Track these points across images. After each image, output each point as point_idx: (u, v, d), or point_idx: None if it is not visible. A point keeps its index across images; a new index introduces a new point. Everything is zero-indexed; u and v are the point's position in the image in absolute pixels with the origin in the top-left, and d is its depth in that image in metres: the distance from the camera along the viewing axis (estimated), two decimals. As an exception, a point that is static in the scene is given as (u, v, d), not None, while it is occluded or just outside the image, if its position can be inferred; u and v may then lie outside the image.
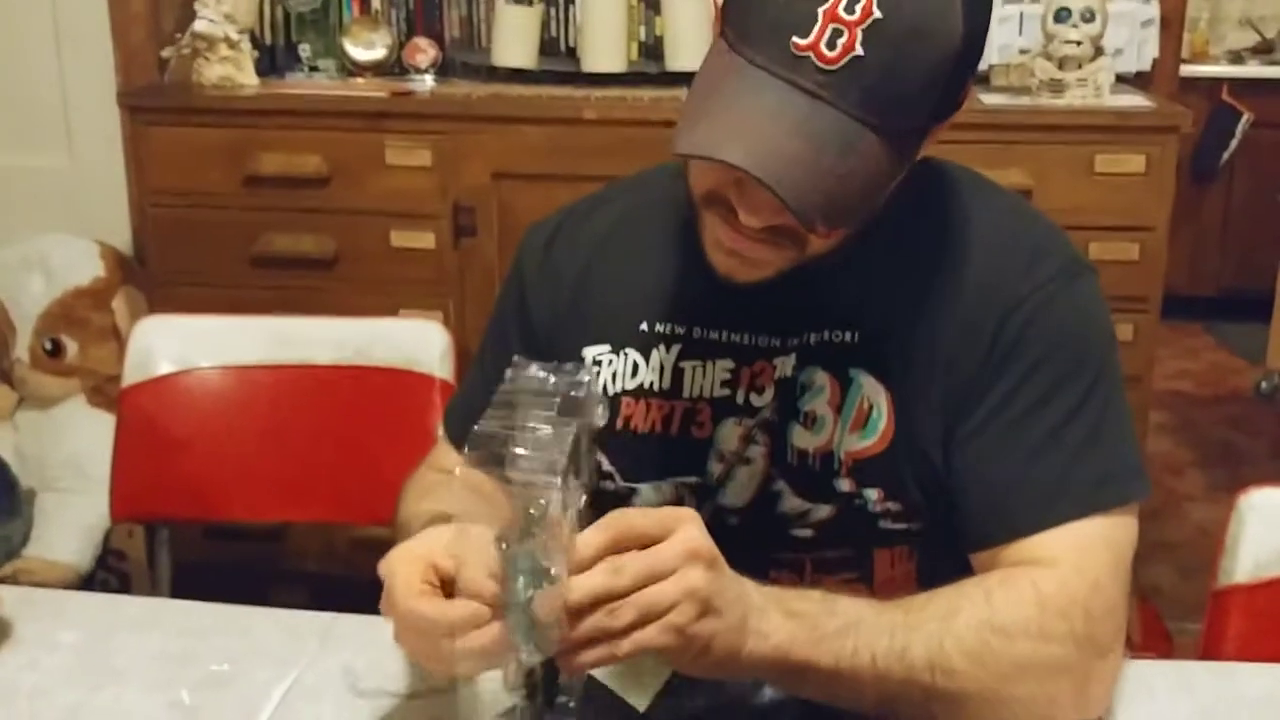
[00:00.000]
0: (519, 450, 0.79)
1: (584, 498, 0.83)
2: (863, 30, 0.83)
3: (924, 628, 0.87)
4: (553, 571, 0.77)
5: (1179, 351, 4.28)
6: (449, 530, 0.86)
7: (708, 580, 0.80)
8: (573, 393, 0.83)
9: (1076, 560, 0.93)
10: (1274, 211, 3.98)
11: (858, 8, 0.83)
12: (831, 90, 0.84)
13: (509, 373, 0.86)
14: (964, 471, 0.98)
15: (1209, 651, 1.24)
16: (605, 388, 1.07)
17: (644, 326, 1.07)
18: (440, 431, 1.20)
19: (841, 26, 0.83)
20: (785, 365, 1.03)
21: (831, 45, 0.84)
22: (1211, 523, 2.99)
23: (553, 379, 0.84)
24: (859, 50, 0.84)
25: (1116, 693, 0.98)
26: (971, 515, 0.98)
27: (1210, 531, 2.93)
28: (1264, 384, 3.96)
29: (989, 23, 0.93)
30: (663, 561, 0.79)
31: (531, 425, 0.81)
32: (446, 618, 0.80)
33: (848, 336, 1.02)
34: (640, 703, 0.91)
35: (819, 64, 0.84)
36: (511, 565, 0.78)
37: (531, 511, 0.78)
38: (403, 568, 0.84)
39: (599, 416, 0.86)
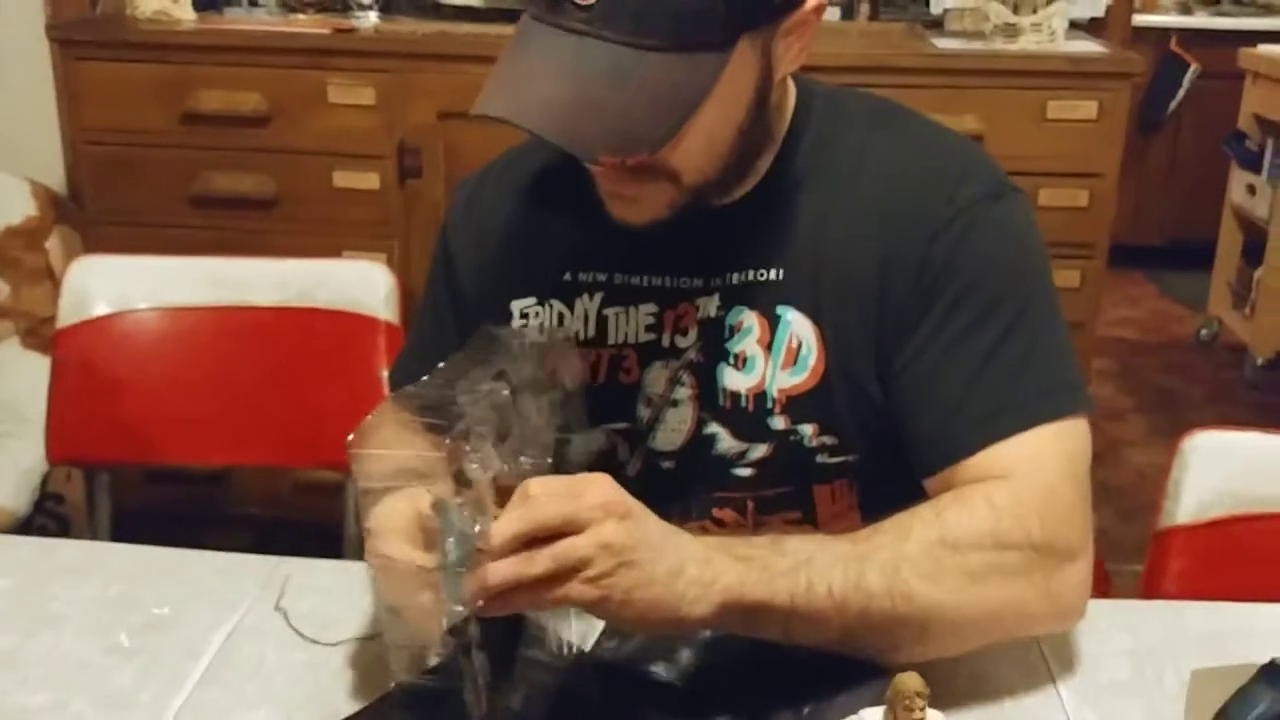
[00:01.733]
0: (460, 414, 0.79)
1: (546, 462, 0.83)
2: None
3: (877, 555, 0.87)
4: (478, 531, 0.78)
5: (1122, 299, 4.33)
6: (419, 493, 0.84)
7: (622, 532, 0.80)
8: (537, 357, 0.83)
9: (1028, 469, 0.93)
10: (1218, 162, 4.02)
11: None
12: (596, 24, 0.85)
13: (472, 339, 0.85)
14: (905, 399, 0.99)
15: (1149, 591, 1.26)
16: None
17: (567, 276, 1.07)
18: (386, 389, 1.19)
19: None
20: (709, 305, 1.03)
21: None
22: (1151, 467, 3.04)
23: (515, 344, 0.84)
24: None
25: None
26: (919, 441, 0.99)
27: (1150, 476, 2.97)
28: (1204, 331, 4.02)
29: None
30: (575, 516, 0.79)
31: (477, 391, 0.81)
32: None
33: (772, 274, 1.02)
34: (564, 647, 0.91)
35: (576, 2, 0.85)
36: (445, 527, 0.79)
37: (459, 472, 0.78)
38: (394, 520, 0.83)
39: (571, 379, 0.85)
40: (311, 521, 1.57)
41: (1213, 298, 4.01)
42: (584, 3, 0.85)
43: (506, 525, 0.79)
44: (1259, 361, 3.67)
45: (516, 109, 0.85)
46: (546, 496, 0.80)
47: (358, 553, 1.43)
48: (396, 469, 0.85)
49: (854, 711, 0.78)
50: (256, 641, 0.97)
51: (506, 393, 0.82)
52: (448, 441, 0.79)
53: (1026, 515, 0.90)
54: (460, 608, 0.79)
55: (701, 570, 0.83)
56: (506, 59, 0.88)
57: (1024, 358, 0.97)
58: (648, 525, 0.82)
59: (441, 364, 0.86)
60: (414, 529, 0.82)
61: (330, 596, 1.02)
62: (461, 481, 0.79)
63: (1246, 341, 3.74)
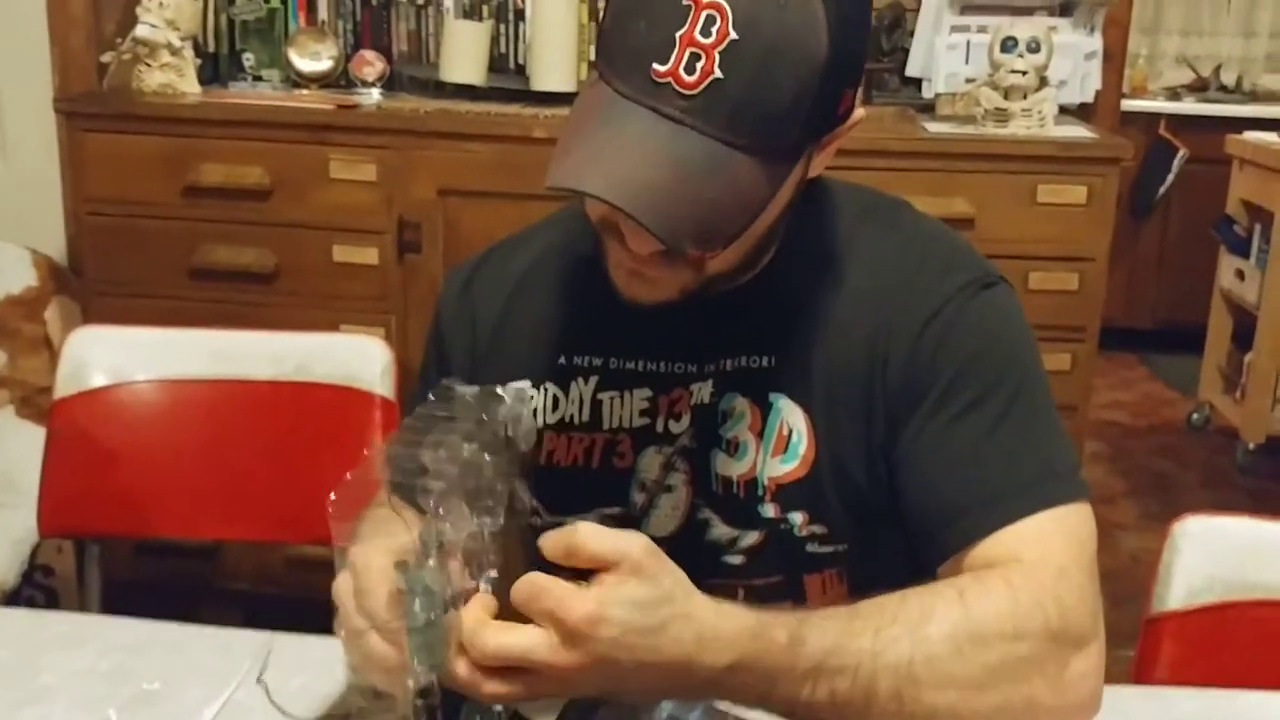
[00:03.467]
0: (425, 472, 0.80)
1: (499, 522, 0.83)
2: (720, 53, 0.84)
3: (893, 650, 0.83)
4: (448, 595, 0.78)
5: (1114, 382, 4.35)
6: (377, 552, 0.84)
7: (610, 645, 0.76)
8: (495, 416, 0.84)
9: (1038, 552, 0.92)
10: (1208, 246, 4.07)
11: (714, 30, 0.84)
12: (694, 115, 0.85)
13: (432, 394, 0.85)
14: (905, 487, 0.99)
15: (1141, 677, 1.25)
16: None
17: (562, 360, 1.07)
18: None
19: (699, 51, 0.84)
20: (702, 391, 1.04)
21: (690, 70, 0.84)
22: (1143, 551, 3.04)
23: (472, 401, 0.84)
24: (718, 73, 0.84)
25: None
26: (921, 529, 0.98)
27: (1142, 560, 2.97)
28: (1195, 415, 4.03)
29: (863, 35, 0.94)
30: (573, 631, 0.75)
31: (438, 448, 0.81)
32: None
33: (764, 361, 1.03)
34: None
35: (679, 89, 0.85)
36: (410, 588, 0.79)
37: (427, 535, 0.79)
38: (378, 560, 0.82)
39: (524, 440, 0.86)
40: (303, 597, 1.56)
41: (1204, 382, 4.03)
42: (688, 92, 0.84)
43: (496, 641, 0.76)
44: (1250, 446, 3.67)
45: (610, 187, 0.84)
46: (547, 601, 0.76)
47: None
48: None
49: None
50: (246, 717, 0.96)
51: (473, 449, 0.82)
52: (426, 503, 0.79)
53: (1044, 600, 0.88)
54: (427, 669, 0.78)
55: (710, 670, 0.79)
56: (591, 133, 0.87)
57: (1021, 441, 0.97)
58: (649, 620, 0.77)
59: (406, 420, 0.86)
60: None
61: (320, 672, 1.01)
62: (431, 543, 0.79)
63: (1237, 426, 3.75)
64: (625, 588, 0.76)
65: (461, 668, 0.77)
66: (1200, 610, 1.25)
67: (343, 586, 0.84)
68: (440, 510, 0.81)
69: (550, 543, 0.78)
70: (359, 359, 1.55)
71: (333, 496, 0.89)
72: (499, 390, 0.86)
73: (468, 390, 0.86)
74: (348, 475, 0.91)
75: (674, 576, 0.79)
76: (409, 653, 0.79)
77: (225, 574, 2.39)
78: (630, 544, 0.78)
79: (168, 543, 2.09)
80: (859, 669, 0.82)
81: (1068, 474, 0.98)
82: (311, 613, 0.97)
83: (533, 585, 0.76)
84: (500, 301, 1.11)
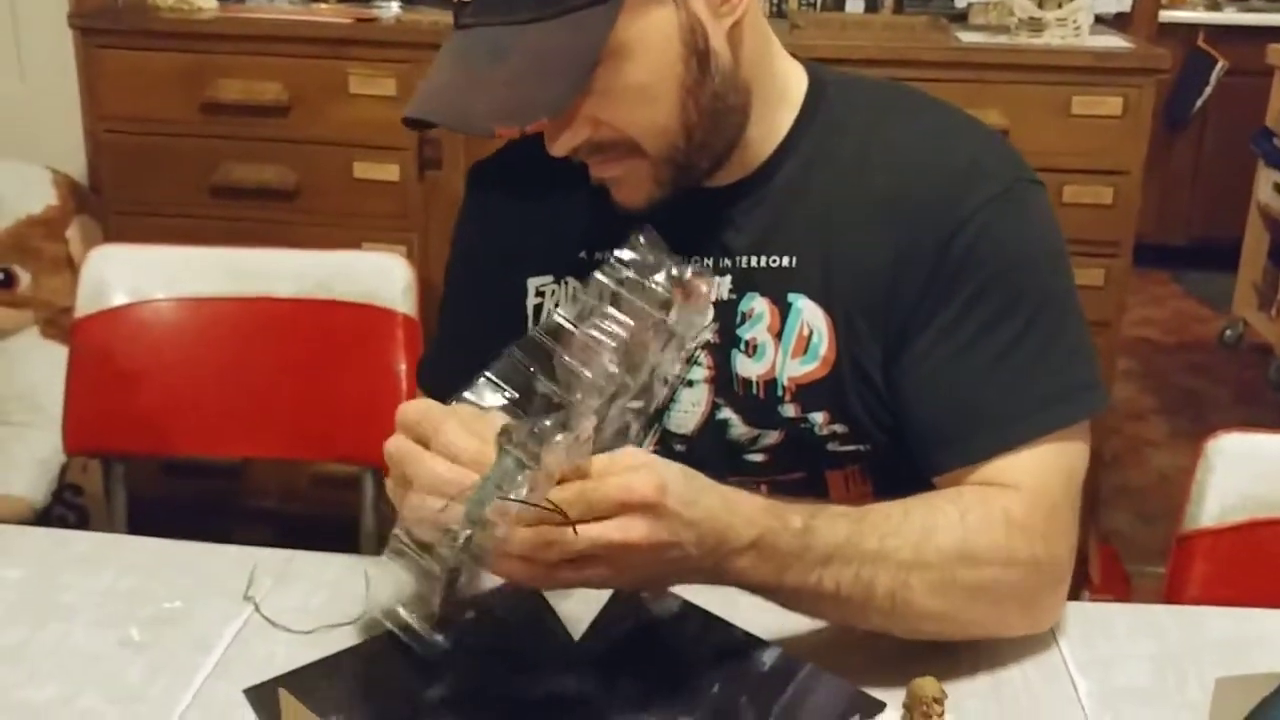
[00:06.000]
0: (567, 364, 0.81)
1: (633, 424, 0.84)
2: None
3: (894, 558, 0.88)
4: (521, 494, 0.75)
5: (1146, 299, 4.30)
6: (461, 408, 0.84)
7: (650, 529, 0.78)
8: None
9: (1035, 484, 0.94)
10: (1245, 160, 3.98)
11: None
12: (479, 15, 0.92)
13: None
14: (915, 396, 0.99)
15: (1172, 596, 1.24)
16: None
17: (583, 254, 1.07)
18: (404, 382, 1.20)
19: None
20: (721, 288, 1.03)
21: None
22: (1173, 469, 3.02)
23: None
24: None
25: (1077, 630, 0.98)
26: (925, 441, 0.99)
27: (1171, 478, 2.95)
28: (1228, 332, 3.98)
29: None
30: (608, 501, 0.78)
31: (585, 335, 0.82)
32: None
33: (784, 261, 1.02)
34: (576, 633, 0.91)
35: (458, 2, 0.93)
36: (496, 466, 0.76)
37: (533, 443, 0.76)
38: (436, 409, 0.83)
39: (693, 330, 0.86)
40: (329, 515, 1.56)
41: (1238, 298, 3.97)
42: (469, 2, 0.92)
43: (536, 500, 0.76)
44: (1283, 362, 3.63)
45: (415, 105, 0.93)
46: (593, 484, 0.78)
47: (374, 547, 1.43)
48: None
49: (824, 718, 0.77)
50: (267, 637, 0.96)
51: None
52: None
53: (1034, 534, 0.93)
54: (468, 531, 0.77)
55: (732, 560, 0.84)
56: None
57: (1038, 359, 0.97)
58: (690, 505, 0.81)
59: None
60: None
61: (344, 589, 1.01)
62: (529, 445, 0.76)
63: (1271, 343, 3.70)
64: (661, 466, 0.80)
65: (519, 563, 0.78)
66: (1233, 528, 1.23)
67: (394, 443, 0.83)
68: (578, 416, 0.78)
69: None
70: (380, 276, 1.54)
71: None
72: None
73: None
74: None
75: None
76: (465, 515, 0.76)
77: (252, 493, 2.41)
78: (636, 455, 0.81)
79: (194, 462, 2.09)
80: (863, 567, 0.87)
81: (1081, 390, 0.98)
82: (337, 531, 0.96)
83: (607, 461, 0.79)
84: (520, 195, 1.11)
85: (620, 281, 0.87)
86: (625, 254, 0.89)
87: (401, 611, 0.85)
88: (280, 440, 1.58)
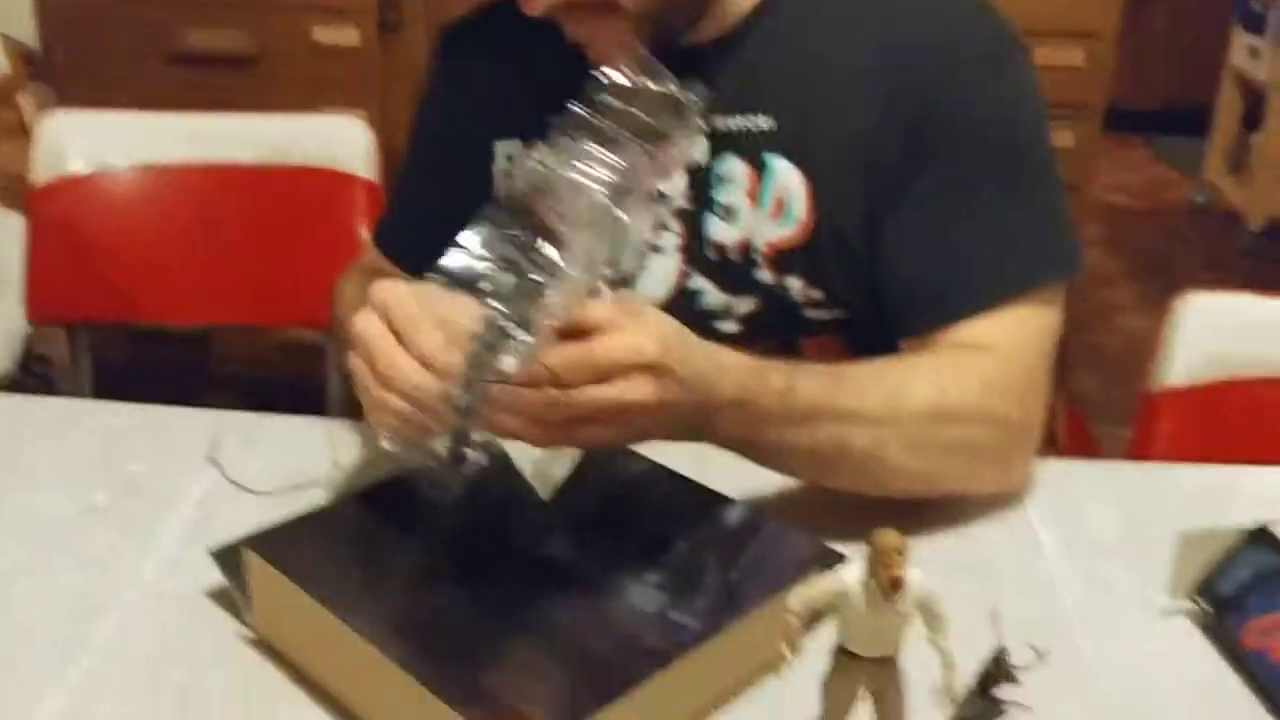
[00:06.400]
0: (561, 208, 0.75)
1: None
2: None
3: (872, 416, 0.88)
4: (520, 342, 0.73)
5: (1117, 164, 4.28)
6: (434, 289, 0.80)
7: (653, 391, 0.78)
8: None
9: (1010, 345, 0.94)
10: (1219, 24, 3.93)
11: None
12: None
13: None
14: (891, 258, 0.98)
15: (1138, 454, 1.25)
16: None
17: (554, 118, 1.04)
18: (371, 242, 1.19)
19: None
20: (697, 150, 1.01)
21: None
22: (1141, 332, 3.04)
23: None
24: None
25: (1042, 486, 0.99)
26: (901, 302, 0.98)
27: (1138, 341, 2.97)
28: (1199, 197, 3.99)
29: None
30: (612, 362, 0.77)
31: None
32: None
33: (762, 122, 1.00)
34: (545, 493, 0.91)
35: None
36: (486, 328, 0.74)
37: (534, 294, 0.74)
38: (412, 300, 0.79)
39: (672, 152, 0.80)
40: (296, 381, 1.55)
41: (1209, 163, 3.97)
42: None
43: (553, 364, 0.75)
44: (1253, 228, 3.64)
45: None
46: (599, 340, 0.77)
47: (341, 411, 1.42)
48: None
49: (790, 576, 0.78)
50: (233, 500, 0.96)
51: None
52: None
53: (1009, 395, 0.93)
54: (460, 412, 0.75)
55: (713, 417, 0.84)
56: None
57: (1018, 221, 0.96)
58: (686, 365, 0.80)
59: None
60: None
61: (311, 452, 1.00)
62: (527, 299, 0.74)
63: (1240, 208, 3.70)
64: (658, 321, 0.80)
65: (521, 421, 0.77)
66: (1199, 388, 1.24)
67: (366, 324, 0.79)
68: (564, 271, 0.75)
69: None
70: (340, 140, 1.52)
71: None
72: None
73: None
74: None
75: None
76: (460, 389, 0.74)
77: (220, 359, 2.40)
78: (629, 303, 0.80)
79: (161, 329, 2.08)
80: (839, 425, 0.88)
81: (1058, 253, 0.98)
82: (302, 395, 0.96)
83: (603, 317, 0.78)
84: (489, 57, 1.09)
85: (603, 112, 0.82)
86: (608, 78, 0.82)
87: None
88: (244, 307, 1.57)
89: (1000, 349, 0.94)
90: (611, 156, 0.78)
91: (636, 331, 0.78)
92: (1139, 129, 4.49)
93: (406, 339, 0.78)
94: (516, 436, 0.79)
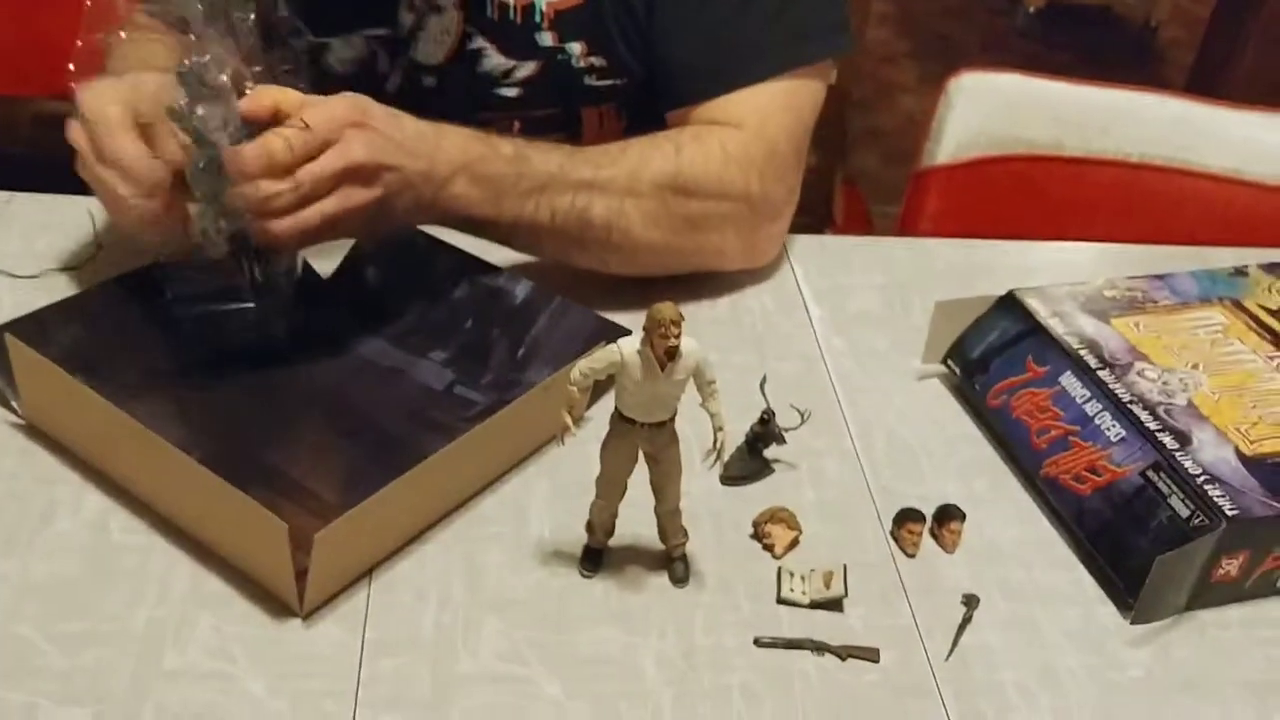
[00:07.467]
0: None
1: (255, 45, 0.78)
2: None
3: (610, 187, 0.90)
4: (217, 136, 0.75)
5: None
6: (151, 80, 0.80)
7: (367, 144, 0.79)
8: None
9: (759, 123, 0.95)
10: None
11: None
12: None
13: None
14: (662, 30, 0.98)
15: (905, 229, 1.31)
16: None
17: None
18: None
19: None
20: None
21: None
22: (920, 112, 3.11)
23: None
24: None
25: (814, 261, 1.03)
26: (666, 75, 0.99)
27: (918, 121, 3.05)
28: (982, -23, 4.05)
29: None
30: (317, 135, 0.77)
31: None
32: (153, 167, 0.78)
33: None
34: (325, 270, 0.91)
35: None
36: (191, 136, 0.76)
37: (189, 76, 0.74)
38: (113, 107, 0.78)
39: None
40: (51, 156, 1.46)
41: (994, -58, 4.01)
42: None
43: (260, 150, 0.75)
44: (1030, 10, 3.74)
45: None
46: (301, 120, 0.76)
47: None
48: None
49: (572, 350, 0.80)
50: (-9, 282, 0.91)
51: None
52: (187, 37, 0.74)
53: (750, 169, 0.94)
54: (210, 215, 0.77)
55: (442, 191, 0.84)
56: None
57: (781, 3, 0.96)
58: (392, 131, 0.81)
59: None
60: (132, 121, 0.78)
61: (68, 230, 0.95)
62: (194, 85, 0.75)
63: (1021, -12, 3.79)
64: (354, 95, 0.80)
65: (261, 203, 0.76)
66: (966, 164, 1.29)
67: (78, 135, 0.79)
68: (209, 46, 0.75)
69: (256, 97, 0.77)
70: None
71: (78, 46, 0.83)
72: None
73: None
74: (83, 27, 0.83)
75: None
76: (200, 202, 0.77)
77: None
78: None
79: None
80: (576, 194, 0.89)
81: (824, 33, 0.98)
82: (59, 171, 0.90)
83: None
84: None
85: None
86: None
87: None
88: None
89: (748, 124, 0.95)
90: None
91: (328, 103, 0.78)
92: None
93: (104, 151, 0.78)
94: (275, 238, 0.78)
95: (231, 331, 0.84)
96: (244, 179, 0.75)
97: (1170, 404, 0.80)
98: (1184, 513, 0.73)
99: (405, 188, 0.82)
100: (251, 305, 0.84)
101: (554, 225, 0.89)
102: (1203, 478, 0.74)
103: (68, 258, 0.93)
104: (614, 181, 0.90)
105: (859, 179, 2.75)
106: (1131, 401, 0.80)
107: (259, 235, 0.78)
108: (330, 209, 0.78)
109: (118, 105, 0.78)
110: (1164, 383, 0.83)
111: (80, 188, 0.83)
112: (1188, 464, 0.75)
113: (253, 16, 0.78)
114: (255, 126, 0.76)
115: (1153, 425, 0.78)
